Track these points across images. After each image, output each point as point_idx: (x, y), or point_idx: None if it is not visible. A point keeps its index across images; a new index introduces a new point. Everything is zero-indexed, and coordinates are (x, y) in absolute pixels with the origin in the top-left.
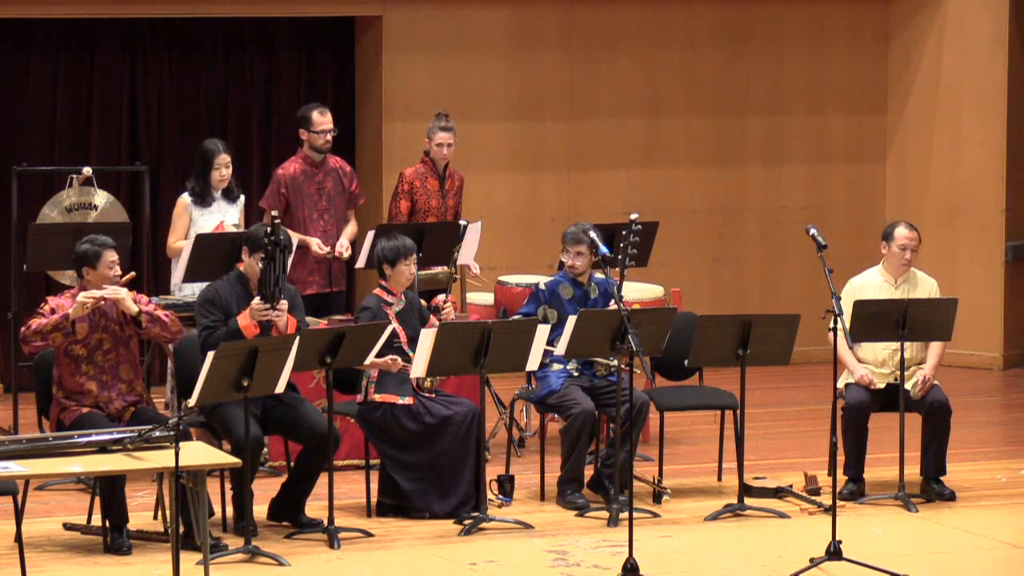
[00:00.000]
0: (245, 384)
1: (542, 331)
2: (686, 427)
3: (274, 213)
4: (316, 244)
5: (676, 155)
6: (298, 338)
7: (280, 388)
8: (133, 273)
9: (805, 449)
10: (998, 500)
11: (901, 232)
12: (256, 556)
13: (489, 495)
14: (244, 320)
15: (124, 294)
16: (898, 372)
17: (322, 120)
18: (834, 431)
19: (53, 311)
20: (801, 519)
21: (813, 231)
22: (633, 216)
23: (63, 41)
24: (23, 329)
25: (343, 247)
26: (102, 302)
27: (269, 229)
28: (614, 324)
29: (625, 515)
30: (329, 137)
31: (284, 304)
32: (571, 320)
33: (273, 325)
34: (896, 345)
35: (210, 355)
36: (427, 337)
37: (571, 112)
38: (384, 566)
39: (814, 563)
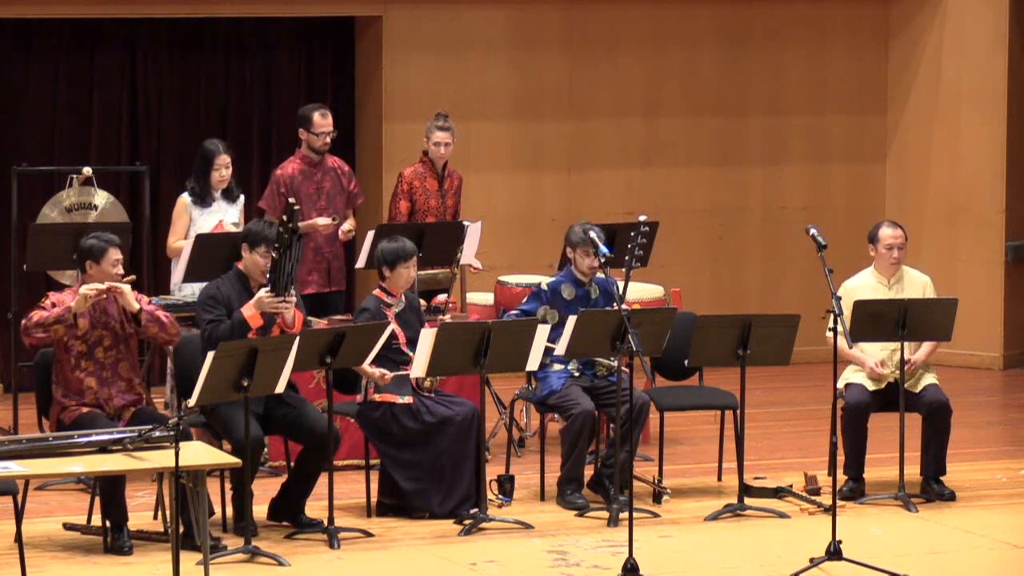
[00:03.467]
0: (245, 384)
1: (542, 331)
2: (686, 427)
3: (291, 200)
4: (321, 221)
5: (676, 155)
6: (298, 338)
7: (280, 388)
8: (134, 276)
9: (805, 449)
10: (998, 500)
11: (886, 232)
12: (256, 556)
13: (489, 495)
14: (249, 311)
15: (126, 289)
16: (898, 372)
17: (323, 122)
18: (834, 431)
19: (54, 305)
20: (801, 519)
21: (813, 231)
22: (641, 217)
23: (63, 41)
24: (24, 322)
25: (344, 230)
26: (104, 295)
27: (285, 217)
28: (614, 324)
29: (625, 515)
30: (328, 140)
31: (293, 297)
32: (571, 320)
33: (279, 317)
34: (895, 345)
35: (210, 355)
36: (427, 337)
37: (571, 112)
38: (384, 566)
39: (814, 563)
